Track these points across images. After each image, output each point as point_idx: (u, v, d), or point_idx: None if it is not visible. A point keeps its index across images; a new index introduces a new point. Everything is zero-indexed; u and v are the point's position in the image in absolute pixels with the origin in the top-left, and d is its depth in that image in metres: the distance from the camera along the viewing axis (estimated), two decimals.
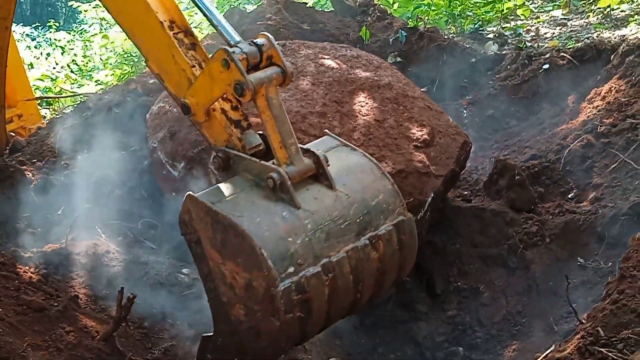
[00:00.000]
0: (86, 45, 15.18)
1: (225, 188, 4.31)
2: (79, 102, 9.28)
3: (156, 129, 6.84)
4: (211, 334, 4.53)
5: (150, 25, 4.56)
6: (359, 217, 4.41)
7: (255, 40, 4.35)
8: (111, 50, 14.39)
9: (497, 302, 6.59)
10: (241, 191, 4.26)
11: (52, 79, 13.01)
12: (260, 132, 4.54)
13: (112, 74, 13.35)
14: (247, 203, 4.18)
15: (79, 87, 12.74)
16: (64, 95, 11.72)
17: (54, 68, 13.88)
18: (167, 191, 6.72)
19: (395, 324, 6.41)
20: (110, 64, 14.05)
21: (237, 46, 4.29)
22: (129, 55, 13.67)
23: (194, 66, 4.53)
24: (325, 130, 5.10)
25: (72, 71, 13.92)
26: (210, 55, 4.49)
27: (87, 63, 14.41)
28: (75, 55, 14.69)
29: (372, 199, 4.51)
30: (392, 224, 4.55)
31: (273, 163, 4.30)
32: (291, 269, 4.06)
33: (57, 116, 9.14)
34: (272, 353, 4.43)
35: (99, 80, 13.10)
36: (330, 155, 4.51)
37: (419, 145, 6.54)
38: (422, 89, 9.10)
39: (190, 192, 4.25)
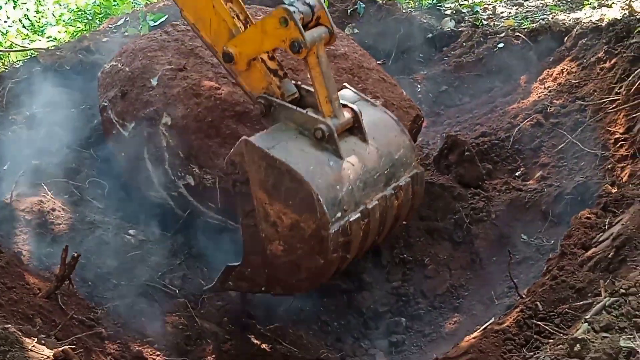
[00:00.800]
0: (39, 1, 14.81)
1: (274, 135, 4.72)
2: (29, 57, 9.05)
3: (107, 88, 6.74)
4: (236, 264, 5.15)
5: None
6: (386, 169, 5.01)
7: (307, 1, 4.65)
8: (65, 7, 14.09)
9: (440, 275, 6.66)
10: (289, 139, 4.70)
11: (2, 33, 12.70)
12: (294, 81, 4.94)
13: (65, 31, 13.07)
14: (298, 151, 4.64)
15: (30, 43, 12.46)
16: (14, 49, 11.45)
17: (5, 22, 13.53)
18: (116, 151, 6.64)
19: (340, 293, 6.45)
20: (64, 21, 13.75)
21: (293, 5, 4.58)
22: (82, 12, 13.38)
23: (233, 17, 4.77)
24: (345, 84, 5.51)
25: (23, 26, 13.58)
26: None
27: (39, 19, 14.07)
28: (27, 10, 14.32)
29: (396, 152, 5.11)
30: (409, 175, 5.22)
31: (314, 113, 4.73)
32: (339, 214, 4.64)
33: (6, 70, 8.94)
34: (306, 286, 5.11)
35: (51, 37, 12.81)
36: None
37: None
38: (378, 62, 9.13)
39: (245, 137, 4.63)
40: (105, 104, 6.65)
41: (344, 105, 4.84)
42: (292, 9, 4.51)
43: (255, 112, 4.91)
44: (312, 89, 4.78)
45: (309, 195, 4.50)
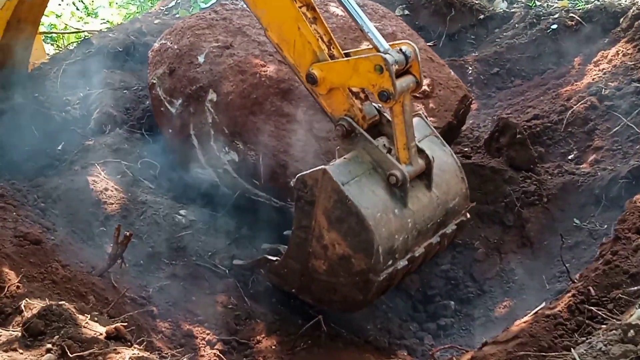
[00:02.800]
0: None
1: (350, 167, 4.80)
2: (82, 39, 9.19)
3: (156, 66, 6.81)
4: (276, 259, 5.33)
5: None
6: (440, 218, 5.14)
7: (403, 49, 4.72)
8: None
9: (490, 258, 6.62)
10: (363, 174, 4.80)
11: (57, 16, 12.87)
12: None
13: (118, 14, 13.22)
14: (369, 192, 4.76)
15: (84, 25, 12.63)
16: (68, 31, 11.63)
17: (59, 4, 13.70)
18: (164, 128, 6.71)
19: None
20: (116, 3, 13.91)
21: (389, 54, 4.61)
22: None
23: (318, 39, 4.81)
24: (419, 112, 5.56)
25: (77, 8, 13.76)
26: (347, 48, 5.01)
27: (92, 1, 14.24)
28: None
29: (452, 201, 5.23)
30: (456, 223, 5.34)
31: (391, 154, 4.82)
32: (390, 262, 4.81)
33: (61, 52, 9.07)
34: (336, 307, 5.29)
35: (104, 19, 12.98)
36: (424, 145, 5.07)
37: (417, 95, 6.49)
38: (429, 43, 9.05)
39: (324, 167, 4.74)
40: (154, 82, 6.72)
41: (420, 151, 4.92)
42: (389, 58, 4.54)
43: (336, 133, 4.93)
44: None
45: (370, 242, 4.66)
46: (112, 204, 6.11)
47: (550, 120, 7.60)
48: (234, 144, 6.17)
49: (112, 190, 6.22)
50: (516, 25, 9.44)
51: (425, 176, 4.99)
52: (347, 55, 4.91)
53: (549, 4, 9.85)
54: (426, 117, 5.49)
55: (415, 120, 5.25)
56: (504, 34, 9.46)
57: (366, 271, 4.74)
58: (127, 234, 5.21)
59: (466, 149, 7.55)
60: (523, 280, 6.38)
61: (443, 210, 5.13)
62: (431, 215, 5.02)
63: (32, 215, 5.64)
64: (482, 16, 9.82)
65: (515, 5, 10.01)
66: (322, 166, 4.77)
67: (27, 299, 4.28)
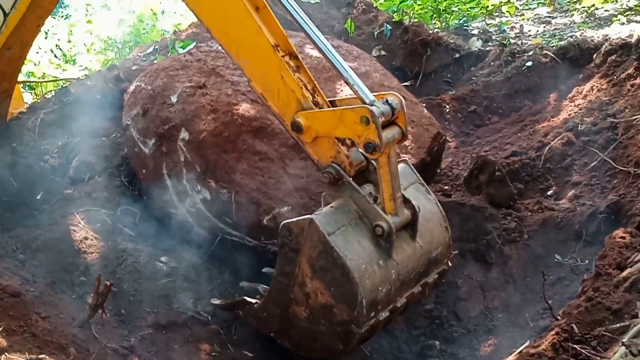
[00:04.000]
0: (70, 31, 15.03)
1: (337, 216, 4.79)
2: (60, 87, 9.19)
3: (131, 107, 6.86)
4: (255, 301, 5.31)
5: (259, 48, 4.81)
6: (422, 268, 5.11)
7: (389, 100, 4.71)
8: (95, 36, 14.29)
9: (474, 296, 6.61)
10: (349, 224, 4.78)
11: (35, 64, 12.88)
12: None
13: (96, 60, 13.25)
14: (355, 242, 4.73)
15: (62, 72, 12.64)
16: (46, 79, 11.63)
17: (37, 52, 13.72)
18: (137, 168, 6.73)
19: None
20: (94, 50, 13.95)
21: (375, 105, 4.61)
22: (113, 41, 13.59)
23: (301, 87, 4.81)
24: (405, 159, 5.56)
25: (55, 56, 13.79)
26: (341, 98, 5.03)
27: (70, 48, 14.27)
28: (59, 39, 14.53)
29: (435, 250, 5.20)
30: (438, 271, 5.32)
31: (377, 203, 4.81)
32: (372, 314, 4.78)
33: (39, 101, 9.06)
34: (315, 355, 5.24)
35: (82, 66, 13.00)
36: (410, 193, 5.06)
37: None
38: (405, 83, 9.14)
39: (312, 217, 4.72)
40: (128, 122, 6.76)
41: (406, 201, 4.91)
42: (376, 110, 4.54)
43: (323, 180, 4.92)
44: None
45: (353, 295, 4.64)
46: (92, 253, 6.06)
47: (529, 156, 7.65)
48: (206, 182, 6.18)
49: (91, 239, 6.18)
50: (491, 63, 9.54)
51: (410, 226, 4.98)
52: (332, 103, 4.93)
53: (523, 41, 9.98)
54: (411, 164, 5.50)
55: (401, 166, 5.26)
56: (480, 72, 9.56)
57: (348, 322, 4.72)
58: (108, 283, 5.17)
59: (446, 187, 7.59)
60: (507, 317, 6.38)
61: (426, 259, 5.12)
62: (414, 266, 5.01)
63: (10, 267, 5.59)
64: (457, 55, 9.92)
65: (490, 44, 10.13)
66: (309, 215, 4.76)
67: (6, 353, 4.23)
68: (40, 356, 4.27)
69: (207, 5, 4.93)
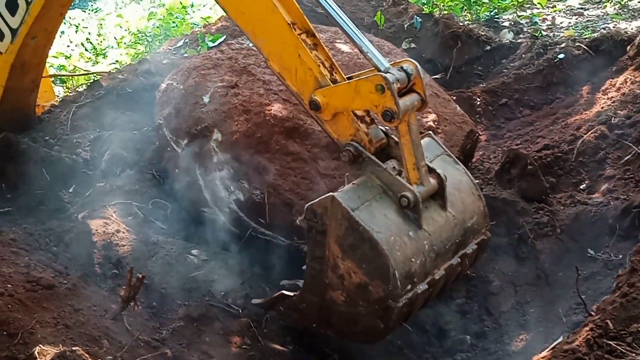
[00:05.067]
0: (100, 24, 15.16)
1: (359, 192, 4.71)
2: (92, 80, 9.26)
3: (163, 106, 6.87)
4: (292, 294, 5.20)
5: (275, 27, 4.80)
6: (458, 238, 5.00)
7: (404, 67, 4.66)
8: (126, 30, 14.38)
9: (505, 291, 6.56)
10: (373, 199, 4.69)
11: (66, 57, 13.00)
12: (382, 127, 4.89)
13: (126, 53, 13.34)
14: (381, 216, 4.64)
15: (92, 66, 12.74)
16: (77, 73, 11.72)
17: (68, 46, 13.85)
18: (170, 168, 6.74)
19: None
20: (125, 43, 14.04)
21: (390, 72, 4.56)
22: (143, 35, 13.66)
23: (319, 65, 4.77)
24: (429, 132, 5.45)
25: (86, 49, 13.90)
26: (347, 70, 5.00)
27: (101, 42, 14.38)
28: (89, 33, 14.65)
29: (469, 219, 5.11)
30: (477, 242, 5.21)
31: (401, 176, 4.72)
32: (409, 287, 4.66)
33: (70, 94, 9.14)
34: (359, 338, 5.17)
35: (113, 59, 13.09)
36: (437, 165, 4.98)
37: (423, 131, 6.49)
38: (436, 76, 9.09)
39: (333, 194, 4.63)
40: (161, 122, 6.77)
41: (431, 170, 4.84)
42: (390, 77, 4.49)
43: (343, 159, 4.87)
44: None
45: (385, 268, 4.54)
46: (124, 245, 6.10)
47: (561, 150, 7.56)
48: (239, 183, 6.17)
49: (123, 232, 6.22)
50: (523, 55, 9.45)
51: (438, 196, 4.89)
52: (349, 79, 4.85)
53: (555, 33, 9.88)
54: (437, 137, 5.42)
55: (426, 140, 5.21)
56: (511, 64, 9.47)
57: (384, 298, 4.60)
58: (140, 276, 5.20)
59: (477, 181, 7.50)
60: (539, 313, 6.32)
61: (461, 229, 5.01)
62: (449, 236, 4.91)
63: (44, 260, 5.64)
64: (488, 47, 9.84)
65: (521, 36, 10.04)
66: (331, 193, 4.68)
67: (40, 345, 4.28)
68: (74, 348, 4.29)
69: None
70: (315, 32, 4.93)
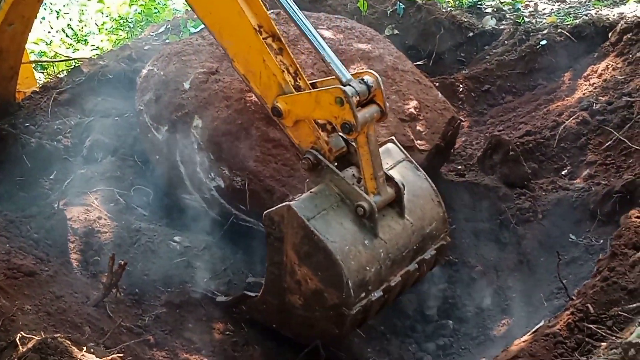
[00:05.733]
0: (82, 10, 15.04)
1: (316, 201, 4.78)
2: (73, 66, 9.18)
3: (143, 92, 6.83)
4: (254, 294, 5.32)
5: (241, 29, 4.81)
6: (416, 245, 5.06)
7: (365, 79, 4.67)
8: (107, 16, 14.27)
9: (487, 276, 6.59)
10: (330, 207, 4.77)
11: (47, 43, 12.89)
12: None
13: (108, 40, 13.24)
14: (337, 225, 4.72)
15: (73, 52, 12.64)
16: (58, 59, 11.62)
17: (49, 32, 13.74)
18: (151, 154, 6.74)
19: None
20: (106, 29, 13.95)
21: (350, 85, 4.59)
22: (124, 20, 13.56)
23: (283, 71, 4.81)
24: (392, 138, 5.48)
25: (67, 36, 13.80)
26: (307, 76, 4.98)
27: (82, 28, 14.27)
28: (70, 19, 14.54)
29: (428, 226, 5.17)
30: (435, 247, 5.27)
31: (360, 187, 4.78)
32: (363, 294, 4.74)
33: (51, 80, 9.06)
34: (313, 338, 5.25)
35: (94, 45, 13.00)
36: (397, 172, 5.07)
37: (404, 118, 6.50)
38: (418, 63, 9.07)
39: (289, 203, 4.71)
40: (141, 108, 6.75)
41: (389, 179, 4.88)
42: (349, 90, 4.52)
43: (302, 167, 4.93)
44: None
45: (339, 277, 4.62)
46: (106, 232, 6.08)
47: (543, 136, 7.60)
48: (219, 170, 6.15)
49: (105, 219, 6.20)
50: (505, 42, 9.47)
51: (396, 204, 4.95)
52: (313, 85, 4.90)
53: (538, 20, 9.89)
54: (398, 142, 5.47)
55: (388, 146, 5.30)
56: (494, 51, 9.48)
57: (339, 305, 4.71)
58: (122, 262, 5.19)
59: (459, 167, 7.57)
60: (520, 297, 6.36)
61: (419, 236, 5.09)
62: (405, 243, 4.98)
63: (25, 247, 5.61)
64: (471, 34, 9.84)
65: (504, 22, 10.03)
66: (287, 202, 4.76)
67: (21, 332, 4.24)
68: (56, 335, 4.27)
69: None
70: (281, 37, 4.95)
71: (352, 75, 4.71)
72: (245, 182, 6.06)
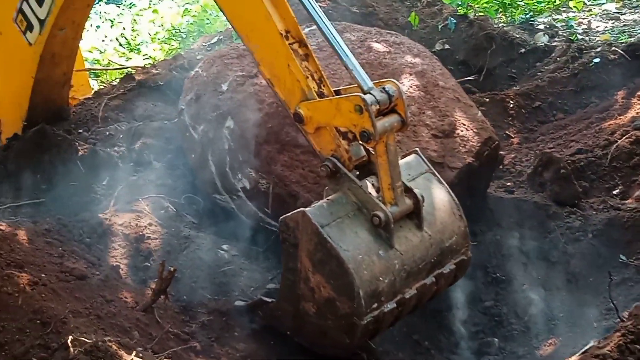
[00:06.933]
0: (135, 20, 15.28)
1: (332, 209, 4.75)
2: (125, 74, 9.33)
3: (187, 92, 6.97)
4: (270, 300, 5.31)
5: (268, 34, 4.83)
6: (433, 258, 4.98)
7: (386, 88, 4.65)
8: (160, 25, 14.48)
9: (535, 294, 6.51)
10: (346, 215, 4.73)
11: (100, 52, 13.12)
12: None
13: (160, 49, 13.43)
14: (351, 233, 4.68)
15: (126, 61, 12.84)
16: (112, 67, 11.82)
17: (102, 41, 13.98)
18: (188, 153, 6.85)
19: (431, 312, 6.38)
20: (159, 39, 14.14)
21: (370, 93, 4.58)
22: (177, 31, 13.74)
23: (307, 77, 4.81)
24: (416, 149, 5.41)
25: (120, 44, 14.02)
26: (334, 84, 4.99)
27: (135, 37, 14.49)
28: (124, 28, 14.78)
29: (447, 240, 5.08)
30: (455, 262, 5.17)
31: (378, 197, 4.74)
32: (375, 305, 4.68)
33: (104, 87, 9.22)
34: (330, 352, 5.13)
35: (146, 54, 13.19)
36: (419, 183, 4.99)
37: (437, 134, 6.45)
38: (469, 78, 9.05)
39: (304, 210, 4.69)
40: (183, 107, 6.89)
41: (409, 190, 4.84)
42: (369, 98, 4.52)
43: (321, 173, 4.93)
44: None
45: (350, 286, 4.59)
46: (156, 239, 6.15)
47: (594, 154, 7.50)
48: (246, 172, 6.22)
49: (155, 226, 6.27)
50: (558, 59, 9.38)
51: (415, 215, 4.90)
52: (337, 93, 4.90)
53: (591, 37, 9.80)
54: (422, 154, 5.41)
55: (411, 157, 5.25)
56: (546, 67, 9.41)
57: (350, 314, 4.67)
58: (171, 269, 5.24)
59: (508, 184, 7.51)
60: (568, 317, 6.27)
61: (437, 249, 5.01)
62: (423, 256, 4.91)
63: (77, 251, 5.70)
64: (523, 50, 9.78)
65: (556, 39, 9.97)
66: (302, 208, 4.75)
67: (72, 334, 4.31)
68: (105, 338, 4.34)
69: None
70: (308, 43, 4.95)
71: (373, 83, 4.70)
72: (270, 185, 6.10)
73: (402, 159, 5.15)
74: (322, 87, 4.91)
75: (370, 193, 4.76)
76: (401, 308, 4.87)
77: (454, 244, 5.15)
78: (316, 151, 4.95)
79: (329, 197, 4.84)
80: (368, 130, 4.51)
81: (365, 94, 4.59)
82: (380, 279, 4.67)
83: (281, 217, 4.87)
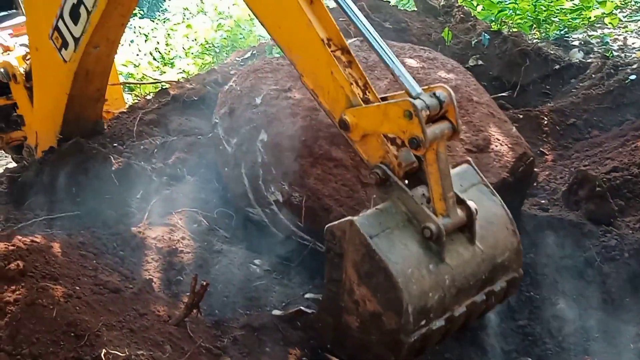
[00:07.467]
0: (169, 34, 15.43)
1: (381, 218, 4.54)
2: (159, 88, 9.42)
3: (221, 106, 7.01)
4: (310, 311, 5.24)
5: (310, 43, 4.73)
6: (485, 274, 4.75)
7: (437, 93, 4.44)
8: (194, 40, 14.61)
9: (569, 314, 6.44)
10: (396, 226, 4.52)
11: (135, 65, 13.26)
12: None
13: (194, 63, 13.55)
14: (401, 245, 4.46)
15: (160, 74, 12.96)
16: (146, 81, 11.93)
17: (137, 55, 14.13)
18: (221, 166, 6.87)
19: (464, 331, 6.31)
20: (192, 53, 14.26)
21: (420, 99, 4.38)
22: (210, 45, 13.85)
23: (352, 84, 4.67)
24: (468, 159, 5.27)
25: (154, 58, 14.16)
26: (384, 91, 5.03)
27: (169, 51, 14.63)
28: (158, 43, 14.94)
29: (500, 256, 4.84)
30: (507, 279, 4.94)
31: (429, 208, 4.52)
32: (423, 322, 4.48)
33: (138, 101, 9.31)
34: None
35: (180, 69, 13.31)
36: (471, 195, 4.79)
37: (471, 149, 6.41)
38: (502, 94, 9.01)
39: (352, 219, 4.50)
40: (217, 121, 6.93)
41: (462, 202, 4.63)
42: (419, 104, 4.32)
43: (369, 181, 4.77)
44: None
45: (398, 301, 4.38)
46: (189, 253, 6.17)
47: (630, 172, 7.40)
48: (279, 185, 6.22)
49: (188, 240, 6.30)
50: (593, 75, 9.32)
51: (467, 229, 4.67)
52: (383, 99, 4.70)
53: (627, 54, 9.71)
54: (475, 165, 5.20)
55: (463, 167, 5.07)
56: (580, 84, 9.35)
57: (396, 331, 4.45)
58: (204, 283, 5.24)
59: (543, 201, 7.43)
60: (604, 337, 6.18)
61: (489, 265, 4.77)
62: (474, 272, 4.68)
63: (111, 264, 5.74)
64: (557, 66, 9.74)
65: (591, 56, 9.91)
66: (350, 217, 4.56)
67: (106, 347, 4.33)
68: (138, 352, 4.34)
69: None
70: (351, 50, 4.83)
71: (423, 89, 4.51)
72: (302, 198, 6.08)
73: (453, 168, 4.88)
74: (368, 93, 4.76)
75: (421, 203, 4.55)
76: (449, 326, 4.65)
77: (506, 261, 4.90)
78: (363, 159, 4.77)
79: (377, 207, 4.64)
80: (418, 136, 4.30)
81: (414, 99, 4.40)
82: (430, 294, 4.46)
83: (327, 225, 4.69)
